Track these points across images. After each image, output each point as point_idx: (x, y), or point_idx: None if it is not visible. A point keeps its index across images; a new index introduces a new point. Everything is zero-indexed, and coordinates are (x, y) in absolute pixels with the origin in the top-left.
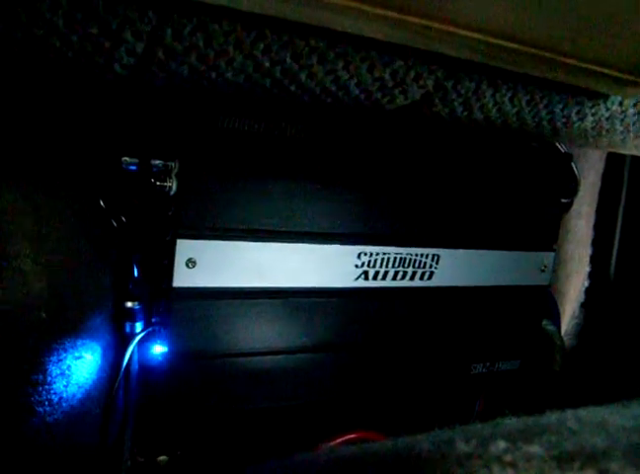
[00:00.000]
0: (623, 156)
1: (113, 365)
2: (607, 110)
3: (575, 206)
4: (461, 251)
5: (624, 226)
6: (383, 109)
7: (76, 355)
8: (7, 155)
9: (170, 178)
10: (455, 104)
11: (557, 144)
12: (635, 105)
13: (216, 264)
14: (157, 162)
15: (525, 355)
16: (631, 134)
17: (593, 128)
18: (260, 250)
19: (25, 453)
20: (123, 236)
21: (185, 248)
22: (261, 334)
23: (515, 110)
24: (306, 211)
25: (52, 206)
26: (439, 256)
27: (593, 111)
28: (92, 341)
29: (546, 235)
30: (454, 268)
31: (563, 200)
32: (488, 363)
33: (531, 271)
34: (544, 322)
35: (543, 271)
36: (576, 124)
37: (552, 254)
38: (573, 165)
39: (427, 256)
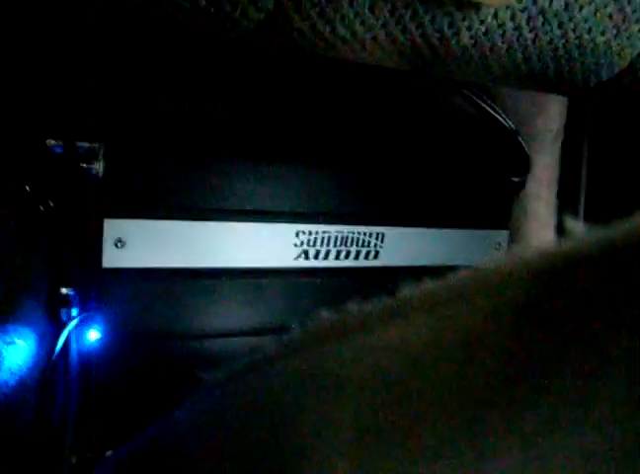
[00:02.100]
0: (581, 137)
1: (49, 353)
2: (482, 23)
3: (533, 189)
4: (408, 229)
5: (587, 210)
6: (244, 27)
7: (7, 340)
8: None
9: (97, 159)
10: (313, 15)
11: (503, 121)
12: (513, 17)
13: (147, 243)
14: (83, 144)
15: None
16: (518, 55)
17: (474, 47)
18: (193, 229)
19: None
20: (52, 220)
21: (113, 228)
22: (198, 316)
23: (380, 22)
24: (239, 189)
25: None
26: (383, 234)
27: (466, 24)
28: (25, 327)
29: (498, 213)
30: (402, 247)
31: (514, 179)
32: None
33: (485, 249)
34: None
35: (497, 249)
36: (452, 41)
37: (506, 232)
38: (521, 141)
39: (370, 234)
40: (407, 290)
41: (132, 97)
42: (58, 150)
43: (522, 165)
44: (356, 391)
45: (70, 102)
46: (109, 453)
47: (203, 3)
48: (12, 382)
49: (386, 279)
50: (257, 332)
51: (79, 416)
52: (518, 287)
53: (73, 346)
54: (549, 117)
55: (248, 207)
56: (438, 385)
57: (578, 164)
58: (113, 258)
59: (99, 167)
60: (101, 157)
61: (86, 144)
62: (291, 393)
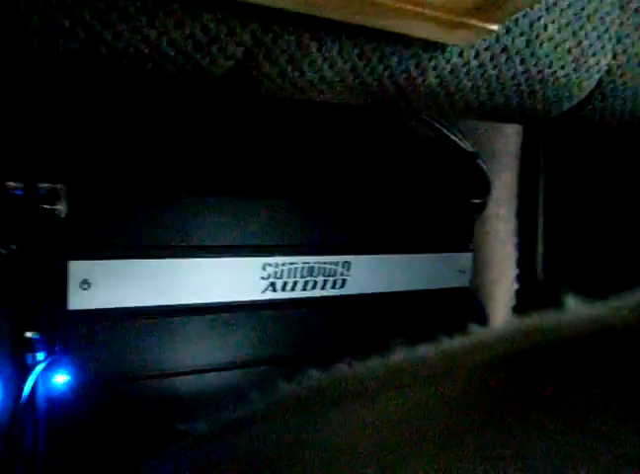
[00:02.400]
0: (537, 155)
1: (15, 399)
2: (448, 62)
3: (492, 209)
4: (373, 256)
5: (547, 225)
6: (215, 74)
7: None
8: None
9: (59, 200)
10: (282, 61)
11: (462, 144)
12: (477, 55)
13: (113, 283)
14: (44, 185)
15: None
16: (483, 91)
17: (439, 86)
18: (158, 267)
19: None
20: (15, 263)
21: (78, 269)
22: (168, 354)
23: (348, 65)
24: (203, 225)
25: None
26: (349, 263)
27: (433, 64)
28: None
29: (460, 236)
30: (367, 274)
31: (474, 201)
32: None
33: (449, 273)
34: (470, 326)
35: (463, 271)
36: (419, 81)
37: (469, 254)
38: (480, 163)
39: (336, 263)
40: (399, 355)
41: (94, 137)
42: (19, 192)
43: (483, 187)
44: (351, 463)
45: (30, 143)
46: None
47: (172, 54)
48: None
49: (353, 308)
50: (228, 366)
51: (47, 461)
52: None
53: (40, 390)
54: (507, 137)
55: (213, 243)
56: (429, 459)
57: (535, 181)
58: (78, 300)
59: (61, 208)
60: (63, 198)
61: (47, 185)
62: (283, 457)
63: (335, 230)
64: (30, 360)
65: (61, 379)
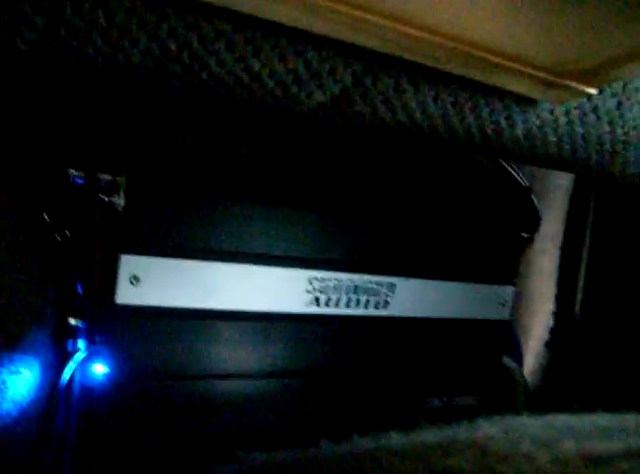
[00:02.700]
0: (588, 194)
1: (52, 384)
2: (538, 117)
3: (538, 243)
4: (418, 280)
5: (590, 265)
6: (305, 106)
7: (12, 369)
8: None
9: (118, 193)
10: (377, 102)
11: (517, 177)
12: (567, 113)
13: (162, 282)
14: (105, 176)
15: (485, 391)
16: (566, 146)
17: (525, 138)
18: (208, 270)
19: None
20: (68, 251)
21: (129, 264)
22: (208, 357)
23: (440, 112)
24: (257, 233)
25: None
26: (394, 284)
27: (522, 118)
28: (31, 357)
29: (506, 269)
30: (411, 297)
31: (524, 235)
32: (445, 398)
33: (491, 304)
34: (505, 358)
35: (503, 305)
36: (506, 132)
37: (512, 288)
38: (533, 198)
39: (382, 284)
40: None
41: (159, 133)
42: (79, 181)
43: (533, 221)
44: None
45: (94, 133)
46: None
47: (271, 84)
48: (14, 413)
49: (394, 330)
50: (264, 375)
51: (77, 450)
52: None
53: (77, 378)
54: (561, 174)
55: (264, 251)
56: None
57: (584, 216)
58: (126, 294)
59: (119, 200)
60: (122, 191)
61: (108, 177)
62: None
63: (383, 250)
64: (70, 347)
65: (100, 370)
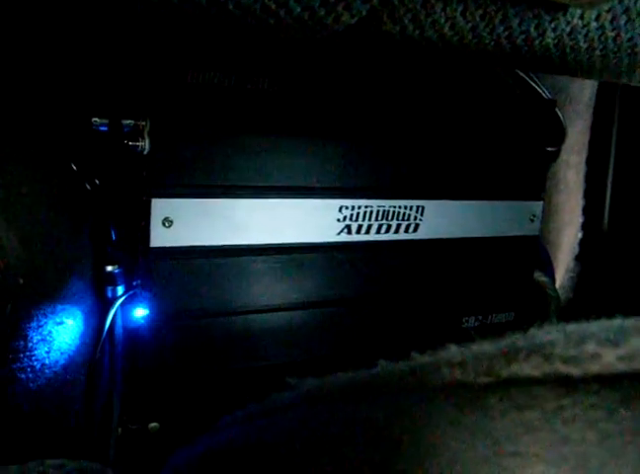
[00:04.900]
0: (612, 104)
1: (96, 331)
2: (568, 24)
3: (563, 156)
4: (447, 202)
5: (616, 176)
6: (330, 30)
7: (57, 320)
8: None
9: (142, 137)
10: (405, 20)
11: (540, 90)
12: (597, 18)
13: (194, 222)
14: (128, 121)
15: (519, 307)
16: (597, 52)
17: (555, 46)
18: (238, 207)
19: (8, 422)
20: (98, 199)
21: (160, 207)
22: (244, 292)
23: (469, 25)
24: (284, 165)
25: (21, 172)
26: (423, 207)
27: (552, 25)
28: (73, 306)
29: (533, 184)
30: (440, 219)
31: (549, 149)
32: (480, 316)
33: (520, 221)
34: (537, 273)
35: (532, 220)
36: (537, 41)
37: (540, 203)
38: (557, 111)
39: (411, 208)
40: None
41: (179, 73)
42: (104, 128)
43: (558, 135)
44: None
45: (115, 79)
46: (153, 425)
47: (297, 9)
48: (62, 361)
49: (426, 252)
50: (299, 306)
51: (124, 390)
52: None
53: (119, 322)
54: (583, 85)
55: (292, 184)
56: None
57: (609, 126)
58: (160, 237)
59: (144, 144)
60: (146, 134)
61: (131, 122)
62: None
63: (410, 174)
64: (110, 294)
65: (140, 313)
